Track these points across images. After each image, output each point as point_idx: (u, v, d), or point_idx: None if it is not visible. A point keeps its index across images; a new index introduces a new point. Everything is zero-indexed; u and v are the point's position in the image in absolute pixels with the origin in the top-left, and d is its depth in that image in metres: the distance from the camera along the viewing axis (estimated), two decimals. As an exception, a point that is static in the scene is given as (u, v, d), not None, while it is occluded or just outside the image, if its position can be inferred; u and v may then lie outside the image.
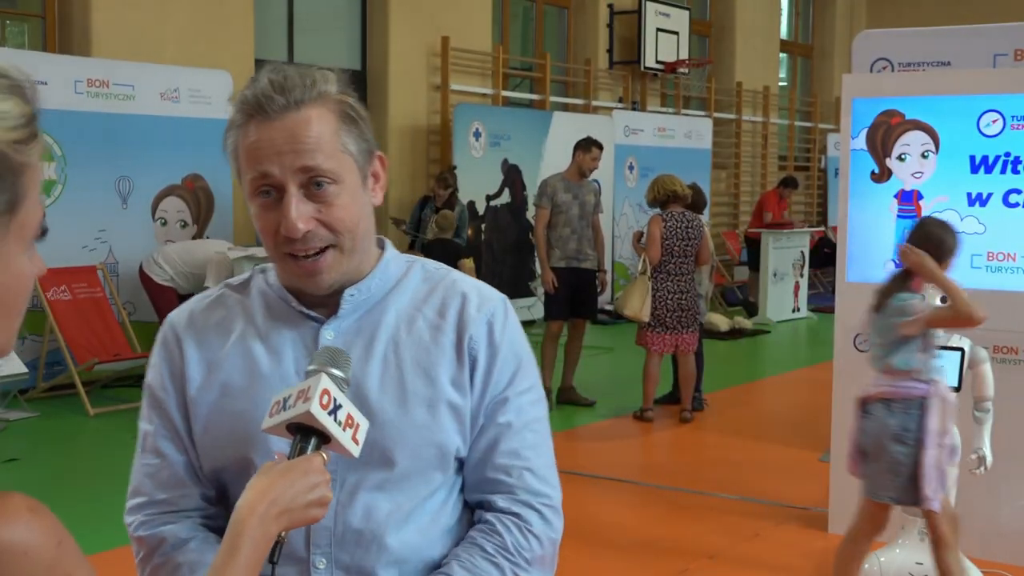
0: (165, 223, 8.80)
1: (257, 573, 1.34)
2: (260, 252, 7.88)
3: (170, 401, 1.62)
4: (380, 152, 1.62)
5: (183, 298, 8.37)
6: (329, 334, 1.58)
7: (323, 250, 1.52)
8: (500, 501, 1.59)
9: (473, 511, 1.64)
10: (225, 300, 1.67)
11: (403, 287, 1.63)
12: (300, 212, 1.49)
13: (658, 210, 7.49)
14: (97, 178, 8.28)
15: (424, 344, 1.58)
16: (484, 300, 1.63)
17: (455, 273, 1.68)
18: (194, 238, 8.89)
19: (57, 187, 8.06)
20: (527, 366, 1.64)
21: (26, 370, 7.15)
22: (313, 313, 1.60)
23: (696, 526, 5.28)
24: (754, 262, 12.95)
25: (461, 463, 1.61)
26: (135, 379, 8.21)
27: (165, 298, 8.05)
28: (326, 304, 1.59)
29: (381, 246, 1.66)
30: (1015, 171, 4.66)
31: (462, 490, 1.63)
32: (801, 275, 12.96)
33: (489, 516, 1.59)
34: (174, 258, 8.06)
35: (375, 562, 1.54)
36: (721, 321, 11.62)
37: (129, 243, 8.45)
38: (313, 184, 1.50)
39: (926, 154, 4.82)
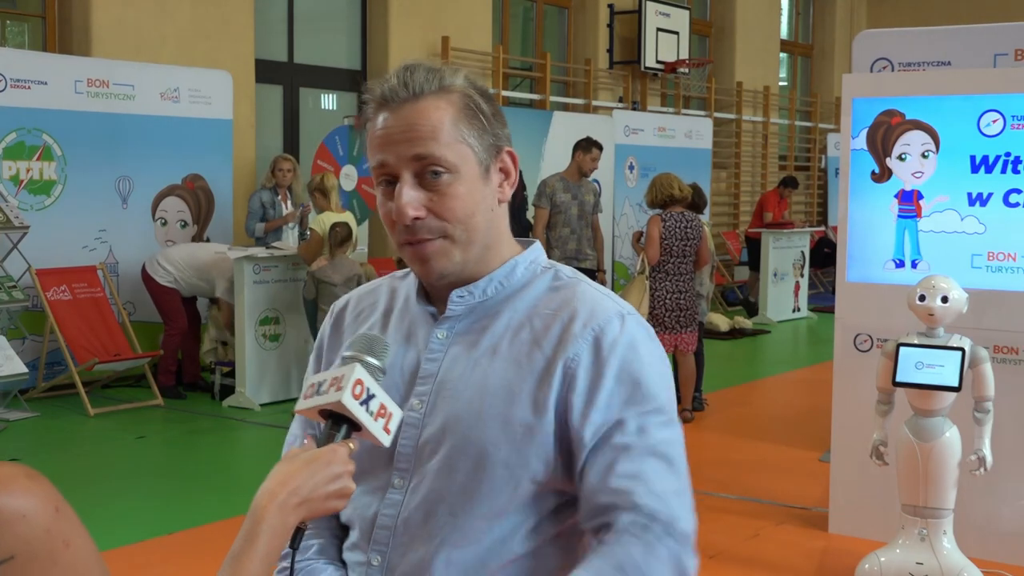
0: (165, 223, 8.80)
1: (275, 561, 1.34)
2: (260, 252, 7.88)
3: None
4: (511, 148, 1.60)
5: (186, 300, 8.34)
6: (441, 333, 1.59)
7: (433, 239, 1.53)
8: (624, 517, 1.44)
9: (565, 547, 1.53)
10: (379, 289, 1.73)
11: (526, 294, 1.59)
12: (410, 199, 1.50)
13: (658, 210, 7.50)
14: (97, 178, 8.28)
15: (518, 358, 1.53)
16: (595, 315, 1.53)
17: (584, 284, 1.60)
18: (194, 238, 8.88)
19: (57, 187, 8.06)
20: (650, 385, 1.51)
21: (26, 370, 7.15)
22: (433, 309, 1.61)
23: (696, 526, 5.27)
24: (754, 262, 12.95)
25: (547, 491, 1.50)
26: (135, 379, 8.22)
27: (168, 299, 8.04)
28: (447, 301, 1.60)
29: (525, 247, 1.64)
30: (1015, 171, 4.66)
31: (550, 520, 1.52)
32: (801, 275, 12.96)
33: (608, 536, 1.44)
34: (178, 261, 8.05)
35: (424, 571, 1.52)
36: (721, 321, 11.62)
37: (129, 243, 8.45)
38: (428, 173, 1.50)
39: (926, 154, 4.82)
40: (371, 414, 1.39)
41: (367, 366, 1.42)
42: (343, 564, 1.61)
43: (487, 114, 1.56)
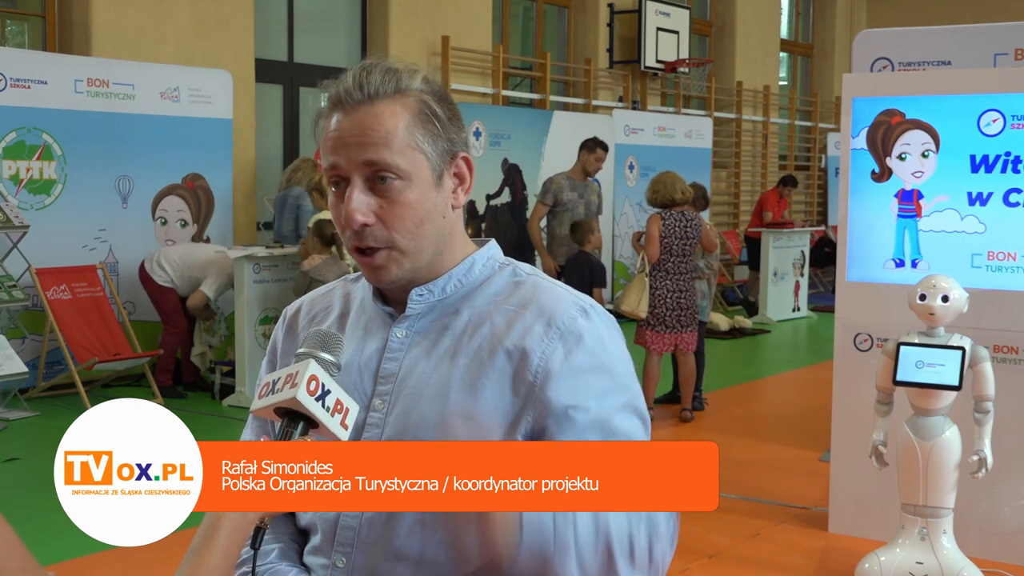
0: (165, 222, 8.79)
1: (235, 557, 1.34)
2: (260, 252, 7.88)
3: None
4: (467, 153, 1.58)
5: (185, 300, 8.24)
6: (400, 332, 1.58)
7: (379, 249, 1.52)
8: None
9: None
10: (333, 292, 1.71)
11: (485, 290, 1.58)
12: (359, 204, 1.49)
13: (658, 209, 7.50)
14: (97, 177, 8.28)
15: (480, 355, 1.52)
16: (559, 311, 1.53)
17: (542, 281, 1.60)
18: (194, 238, 8.88)
19: (57, 186, 8.06)
20: (620, 376, 1.51)
21: (26, 369, 7.15)
22: (391, 310, 1.60)
23: (696, 525, 5.28)
24: (754, 261, 12.95)
25: None
26: (135, 378, 8.22)
27: (166, 299, 8.03)
28: (405, 302, 1.59)
29: (481, 246, 1.64)
30: (1015, 170, 4.66)
31: None
32: (801, 274, 12.95)
33: None
34: (175, 260, 8.03)
35: (391, 571, 1.52)
36: (721, 320, 11.62)
37: (129, 242, 8.45)
38: (378, 178, 1.49)
39: (926, 153, 4.82)
40: (327, 410, 1.38)
41: (321, 362, 1.41)
42: (306, 568, 1.60)
43: (442, 119, 1.54)
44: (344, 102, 1.51)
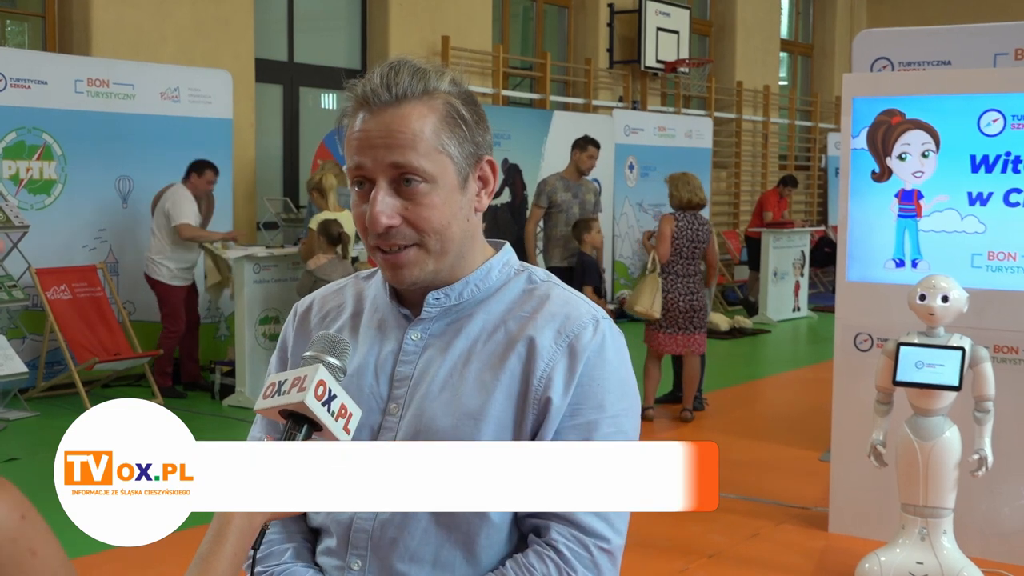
0: (165, 222, 8.78)
1: (242, 561, 1.35)
2: (260, 252, 7.88)
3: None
4: (491, 157, 1.58)
5: (188, 299, 8.14)
6: (415, 335, 1.58)
7: (406, 247, 1.51)
8: (551, 531, 1.48)
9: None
10: (345, 290, 1.70)
11: (501, 295, 1.59)
12: (384, 206, 1.48)
13: (670, 210, 7.51)
14: (97, 177, 8.28)
15: (492, 361, 1.53)
16: (569, 320, 1.53)
17: (558, 287, 1.60)
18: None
19: (57, 186, 8.06)
20: (609, 392, 1.52)
21: (26, 369, 7.15)
22: (406, 312, 1.60)
23: (696, 525, 5.28)
24: (754, 261, 12.95)
25: None
26: (135, 378, 8.22)
27: (172, 296, 7.98)
28: (421, 305, 1.58)
29: (497, 249, 1.64)
30: (1015, 170, 4.66)
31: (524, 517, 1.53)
32: (801, 274, 12.96)
33: (532, 547, 1.49)
34: (156, 245, 7.96)
35: (406, 573, 1.52)
36: (721, 320, 11.62)
37: (129, 242, 8.45)
38: (403, 181, 1.48)
39: (927, 153, 4.82)
40: (332, 414, 1.40)
41: (329, 366, 1.42)
42: (320, 569, 1.60)
43: (469, 122, 1.53)
44: (371, 102, 1.49)
